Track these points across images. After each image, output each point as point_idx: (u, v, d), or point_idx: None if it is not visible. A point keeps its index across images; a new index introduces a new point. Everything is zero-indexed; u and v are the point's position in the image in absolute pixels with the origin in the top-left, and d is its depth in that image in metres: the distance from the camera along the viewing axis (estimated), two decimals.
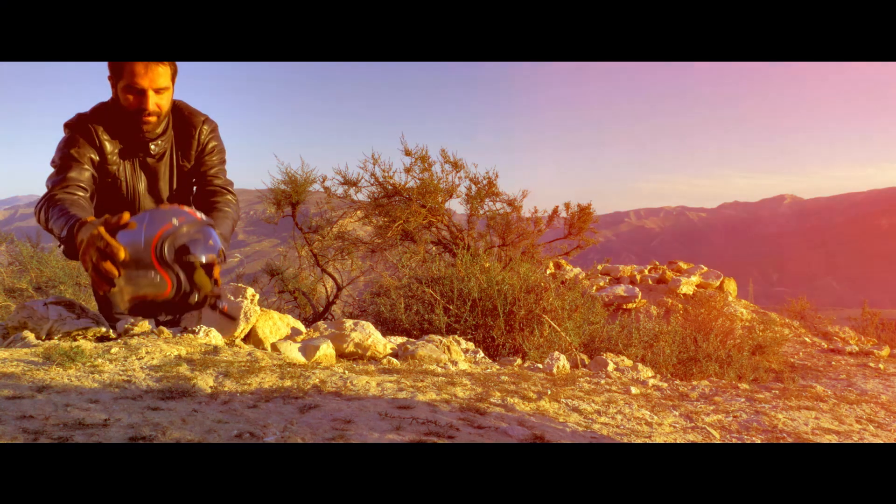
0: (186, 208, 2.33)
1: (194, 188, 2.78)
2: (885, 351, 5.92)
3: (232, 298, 2.87)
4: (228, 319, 2.79)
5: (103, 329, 2.62)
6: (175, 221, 2.28)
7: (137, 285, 2.18)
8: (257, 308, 2.91)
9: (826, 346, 6.80)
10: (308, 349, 2.79)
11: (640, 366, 3.39)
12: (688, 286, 8.05)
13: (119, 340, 2.49)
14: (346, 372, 2.49)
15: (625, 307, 7.35)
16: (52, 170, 2.41)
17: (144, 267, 2.15)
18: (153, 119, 2.44)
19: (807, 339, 7.12)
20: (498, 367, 3.17)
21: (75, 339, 2.53)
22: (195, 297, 2.41)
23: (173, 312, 2.53)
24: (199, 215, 2.36)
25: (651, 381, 3.06)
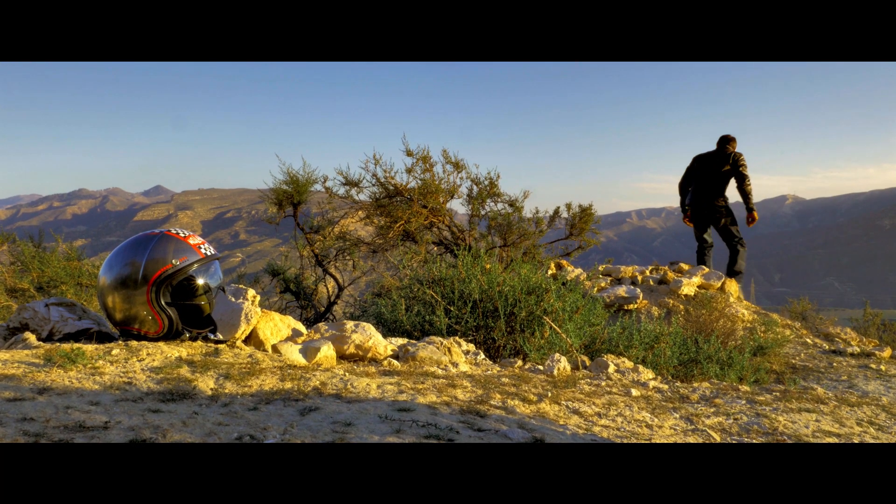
0: (191, 242, 2.45)
1: None
2: (887, 352, 5.91)
3: (233, 300, 2.87)
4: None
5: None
6: (175, 262, 2.40)
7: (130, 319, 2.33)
8: (258, 309, 2.91)
9: (827, 347, 6.78)
10: (309, 351, 2.79)
11: (640, 367, 3.38)
12: (689, 287, 8.03)
13: (120, 342, 2.49)
14: (347, 374, 2.50)
15: (626, 308, 7.34)
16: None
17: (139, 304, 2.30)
18: None
19: (808, 341, 7.10)
20: (498, 368, 3.17)
21: (77, 340, 2.53)
22: (185, 336, 2.54)
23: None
24: (204, 251, 2.51)
25: (652, 383, 3.06)
